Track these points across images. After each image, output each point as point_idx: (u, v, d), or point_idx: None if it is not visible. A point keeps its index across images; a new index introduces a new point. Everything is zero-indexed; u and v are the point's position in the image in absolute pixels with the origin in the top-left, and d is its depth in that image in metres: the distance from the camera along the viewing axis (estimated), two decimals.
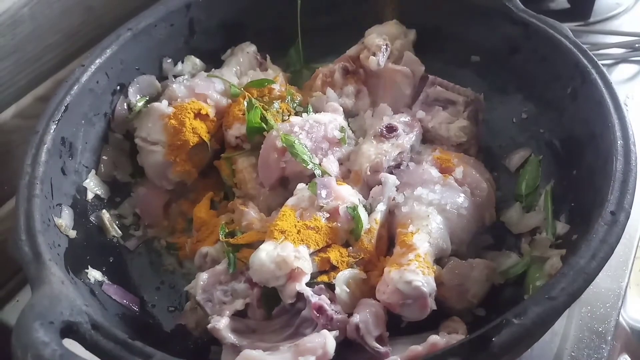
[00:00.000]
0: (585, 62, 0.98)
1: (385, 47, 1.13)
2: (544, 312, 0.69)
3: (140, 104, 1.12)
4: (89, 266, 0.95)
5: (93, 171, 1.06)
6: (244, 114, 1.07)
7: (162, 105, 1.08)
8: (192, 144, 1.06)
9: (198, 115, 1.08)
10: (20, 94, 1.16)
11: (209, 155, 1.11)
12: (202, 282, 0.89)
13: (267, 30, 1.26)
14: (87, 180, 1.04)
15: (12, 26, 1.10)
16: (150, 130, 1.07)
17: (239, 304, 0.87)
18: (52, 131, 0.95)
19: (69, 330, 0.71)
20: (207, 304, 0.87)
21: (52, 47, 1.19)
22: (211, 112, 1.10)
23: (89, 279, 0.93)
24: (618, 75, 1.42)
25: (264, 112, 1.07)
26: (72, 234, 0.95)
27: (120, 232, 1.06)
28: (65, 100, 0.99)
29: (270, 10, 1.25)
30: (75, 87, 1.01)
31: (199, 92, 1.11)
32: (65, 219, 0.94)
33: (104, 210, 1.05)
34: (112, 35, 1.10)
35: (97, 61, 1.06)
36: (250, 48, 1.23)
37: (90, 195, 1.04)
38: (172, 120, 1.06)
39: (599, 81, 0.95)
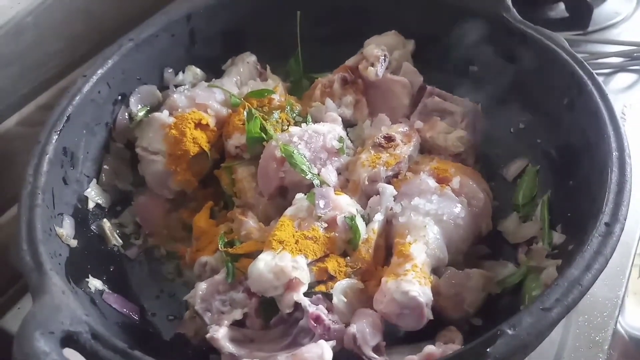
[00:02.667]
0: (582, 73, 0.99)
1: (383, 57, 1.14)
2: (539, 323, 0.70)
3: (141, 113, 1.13)
4: (90, 275, 0.96)
5: (94, 180, 1.07)
6: (243, 124, 1.08)
7: (163, 115, 1.09)
8: (192, 154, 1.07)
9: (198, 125, 1.09)
10: (23, 102, 1.18)
11: (209, 165, 1.12)
12: (200, 292, 0.90)
13: (267, 40, 1.26)
14: (88, 190, 1.05)
15: (16, 35, 1.11)
16: (151, 140, 1.08)
17: (237, 314, 0.87)
18: (54, 141, 0.96)
19: (69, 340, 0.72)
20: (205, 313, 0.88)
21: (55, 55, 1.21)
22: (211, 122, 1.11)
23: (90, 288, 0.94)
24: (616, 84, 1.43)
25: (264, 122, 1.08)
26: (73, 243, 0.95)
27: (120, 241, 1.07)
28: (67, 111, 1.00)
29: (270, 20, 1.26)
30: (77, 97, 1.02)
31: (199, 102, 1.12)
32: (66, 229, 0.95)
33: (104, 219, 1.06)
34: (114, 46, 1.11)
35: (99, 71, 1.07)
36: (251, 58, 1.24)
37: (91, 205, 1.05)
38: (173, 130, 1.07)
39: (595, 92, 0.96)
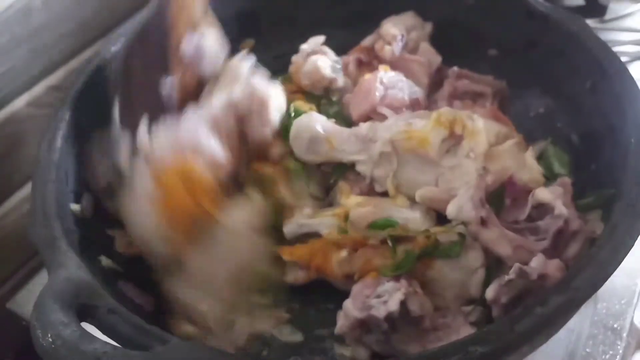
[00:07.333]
0: (605, 55, 0.98)
1: (400, 36, 1.12)
2: (566, 302, 0.69)
3: None
4: (103, 255, 0.93)
5: None
6: None
7: None
8: None
9: None
10: (33, 82, 1.16)
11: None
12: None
13: (282, 23, 1.25)
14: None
15: (27, 15, 1.10)
16: None
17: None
18: (68, 117, 0.95)
19: (86, 313, 0.70)
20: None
21: (66, 35, 1.19)
22: None
23: (104, 266, 0.91)
24: (633, 72, 1.40)
25: None
26: (87, 220, 0.93)
27: None
28: (83, 88, 0.99)
29: (285, 2, 1.24)
30: (93, 74, 1.01)
31: None
32: (80, 205, 0.93)
33: None
34: (126, 24, 1.10)
35: (113, 49, 1.05)
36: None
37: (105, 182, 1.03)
38: None
39: (620, 75, 0.95)
